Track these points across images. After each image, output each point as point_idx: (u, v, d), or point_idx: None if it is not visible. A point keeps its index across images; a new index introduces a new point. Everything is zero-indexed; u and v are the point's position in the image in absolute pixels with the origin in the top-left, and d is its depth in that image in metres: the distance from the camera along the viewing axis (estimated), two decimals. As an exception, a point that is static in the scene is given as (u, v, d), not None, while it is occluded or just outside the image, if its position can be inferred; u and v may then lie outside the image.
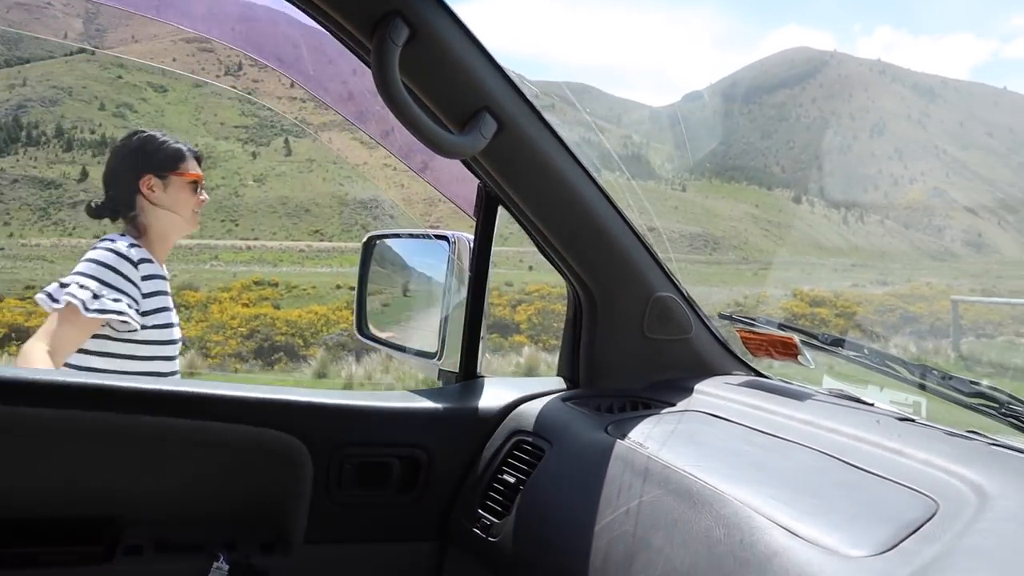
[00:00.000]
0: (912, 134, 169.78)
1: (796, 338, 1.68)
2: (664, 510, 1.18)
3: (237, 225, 75.25)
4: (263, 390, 1.59)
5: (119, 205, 2.53)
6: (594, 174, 1.61)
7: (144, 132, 2.59)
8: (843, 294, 34.23)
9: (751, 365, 1.92)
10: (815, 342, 1.67)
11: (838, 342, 1.65)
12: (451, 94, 1.39)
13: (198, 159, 2.60)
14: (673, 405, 1.63)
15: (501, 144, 1.45)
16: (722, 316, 1.92)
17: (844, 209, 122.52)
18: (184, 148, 2.56)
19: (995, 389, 1.44)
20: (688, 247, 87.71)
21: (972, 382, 1.45)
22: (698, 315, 1.84)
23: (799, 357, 1.69)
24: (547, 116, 1.51)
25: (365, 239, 2.14)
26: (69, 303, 2.27)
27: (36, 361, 2.17)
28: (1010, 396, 1.40)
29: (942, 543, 0.95)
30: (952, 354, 14.34)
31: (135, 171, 2.49)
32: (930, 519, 1.02)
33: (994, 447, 1.30)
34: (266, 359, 19.31)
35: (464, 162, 1.59)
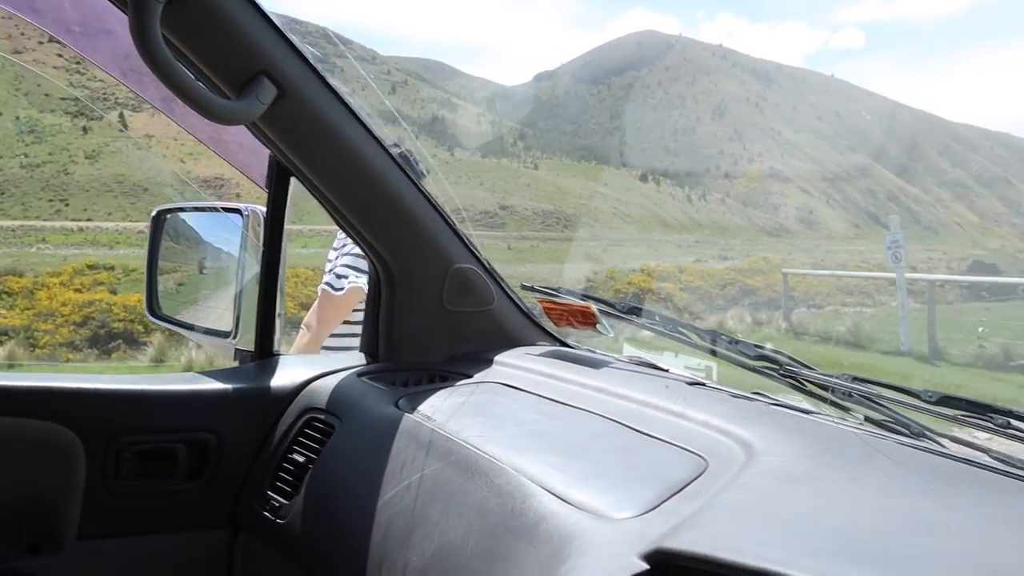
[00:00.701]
0: (750, 117, 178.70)
1: (594, 307, 1.70)
2: (443, 482, 1.18)
3: (67, 205, 70.43)
4: (29, 377, 1.47)
5: None
6: (387, 144, 1.57)
7: None
8: (687, 269, 35.50)
9: (557, 336, 1.93)
10: (613, 311, 1.70)
11: (634, 311, 1.69)
12: (225, 57, 1.32)
13: None
14: (469, 377, 1.62)
15: (283, 111, 1.39)
16: (524, 287, 1.93)
17: (688, 188, 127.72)
18: None
19: (777, 352, 1.50)
20: (541, 224, 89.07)
21: (757, 346, 1.51)
22: (501, 286, 1.84)
23: (598, 326, 1.72)
24: (333, 82, 1.46)
25: (153, 213, 1.99)
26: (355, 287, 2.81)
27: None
28: (789, 358, 1.47)
29: (702, 500, 0.97)
30: (783, 324, 15.18)
31: None
32: (697, 478, 1.06)
33: (774, 407, 1.36)
34: (102, 347, 18.18)
35: (253, 132, 1.51)
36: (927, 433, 1.26)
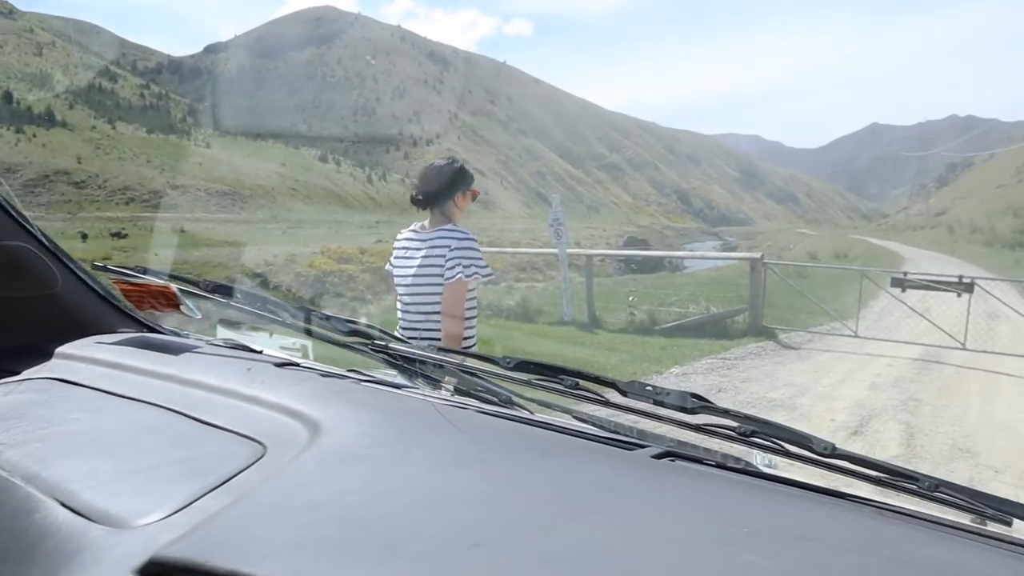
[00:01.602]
0: (429, 98, 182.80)
1: (175, 287, 1.58)
2: None
3: None
4: None
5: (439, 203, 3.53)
6: None
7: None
8: (369, 250, 35.55)
9: (145, 322, 1.77)
10: (197, 291, 1.59)
11: (221, 289, 1.58)
12: None
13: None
14: (17, 373, 1.40)
15: None
16: (95, 267, 1.73)
17: (368, 168, 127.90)
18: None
19: (370, 326, 1.49)
20: (216, 206, 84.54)
21: (349, 321, 1.49)
22: (67, 267, 1.63)
23: (182, 307, 1.60)
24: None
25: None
26: (475, 275, 3.38)
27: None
28: (381, 331, 1.46)
29: (239, 493, 0.94)
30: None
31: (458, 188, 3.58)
32: (249, 467, 1.02)
33: (365, 383, 1.33)
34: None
35: None
36: (514, 400, 1.30)
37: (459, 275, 3.34)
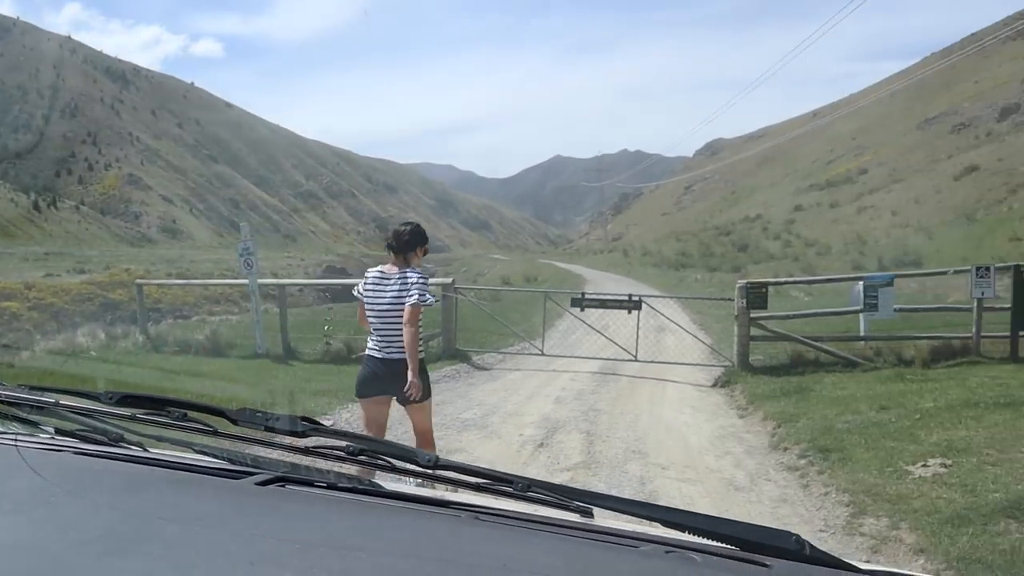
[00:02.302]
0: (106, 119, 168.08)
1: None
2: None
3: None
4: None
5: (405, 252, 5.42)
6: None
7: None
8: (36, 284, 32.22)
9: None
10: None
11: None
12: None
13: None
14: None
15: None
16: None
17: (35, 194, 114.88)
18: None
19: None
20: None
21: None
22: None
23: None
24: None
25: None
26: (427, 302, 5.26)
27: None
28: None
29: None
30: (140, 337, 14.45)
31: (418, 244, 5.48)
32: None
33: None
34: None
35: None
36: (126, 437, 1.23)
37: (416, 300, 5.19)
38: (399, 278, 5.29)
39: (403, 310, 5.16)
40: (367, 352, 5.41)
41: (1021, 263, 12.14)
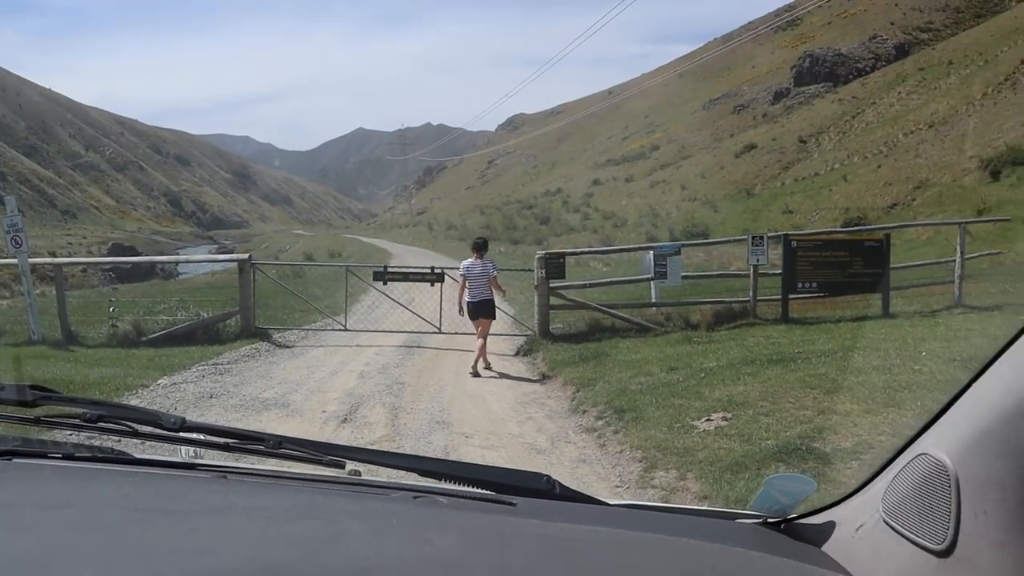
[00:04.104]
0: None
1: None
2: None
3: None
4: None
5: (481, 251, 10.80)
6: None
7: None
8: None
9: None
10: None
11: None
12: None
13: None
14: None
15: None
16: None
17: None
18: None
19: None
20: None
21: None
22: None
23: None
24: None
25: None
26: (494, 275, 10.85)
27: None
28: None
29: None
30: None
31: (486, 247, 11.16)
32: None
33: None
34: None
35: None
36: None
37: (494, 273, 10.66)
38: (482, 264, 10.52)
39: (487, 279, 10.49)
40: (468, 300, 10.51)
41: (790, 232, 13.27)
